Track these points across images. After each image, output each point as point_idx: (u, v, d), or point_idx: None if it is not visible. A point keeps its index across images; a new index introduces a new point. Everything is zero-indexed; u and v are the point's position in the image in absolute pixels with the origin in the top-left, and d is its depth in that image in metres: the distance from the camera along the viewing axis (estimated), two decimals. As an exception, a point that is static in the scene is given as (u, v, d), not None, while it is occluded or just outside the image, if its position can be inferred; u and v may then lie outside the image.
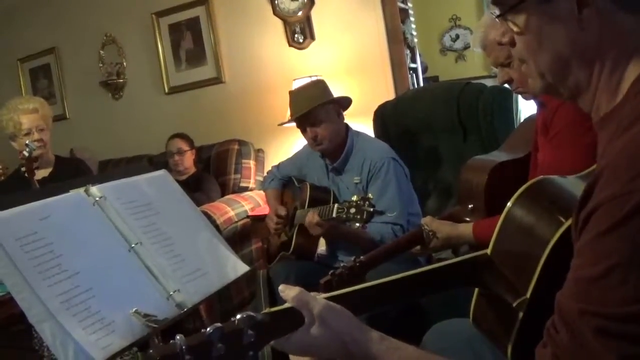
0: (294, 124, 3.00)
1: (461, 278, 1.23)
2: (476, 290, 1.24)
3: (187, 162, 4.41)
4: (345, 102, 2.98)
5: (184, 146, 4.42)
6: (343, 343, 1.03)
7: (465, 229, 2.04)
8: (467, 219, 2.09)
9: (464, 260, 1.23)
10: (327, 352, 1.05)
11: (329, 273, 2.03)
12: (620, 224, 0.77)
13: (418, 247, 2.23)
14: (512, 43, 1.03)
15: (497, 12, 1.01)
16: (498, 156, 2.20)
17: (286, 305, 1.06)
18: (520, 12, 0.97)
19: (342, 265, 2.06)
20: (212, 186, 4.37)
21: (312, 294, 1.12)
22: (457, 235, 2.07)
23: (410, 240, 2.24)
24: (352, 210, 2.32)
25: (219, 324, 0.94)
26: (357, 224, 2.36)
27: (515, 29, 1.00)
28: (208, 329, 0.93)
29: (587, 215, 0.83)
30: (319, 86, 2.96)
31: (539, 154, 1.92)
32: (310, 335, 1.03)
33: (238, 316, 0.97)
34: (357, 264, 2.06)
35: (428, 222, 2.15)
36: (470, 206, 2.10)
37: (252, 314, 0.98)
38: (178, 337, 0.91)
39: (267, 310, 1.03)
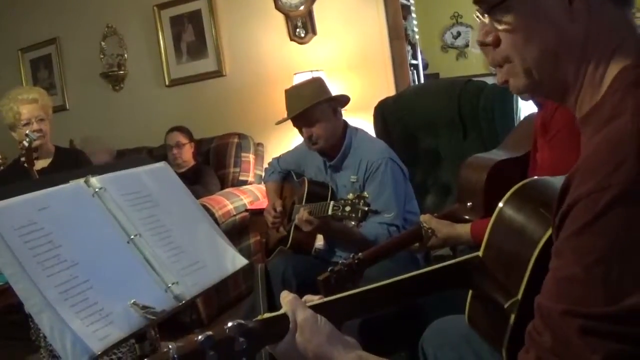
0: (292, 120, 2.99)
1: (454, 280, 1.23)
2: (470, 291, 1.24)
3: (186, 155, 4.42)
4: (342, 100, 2.95)
5: (183, 139, 4.42)
6: (315, 357, 1.04)
7: (464, 229, 2.04)
8: (466, 217, 2.09)
9: (457, 262, 1.22)
10: None
11: (328, 270, 2.03)
12: (596, 219, 0.77)
13: (416, 245, 2.23)
14: (497, 43, 1.03)
15: (482, 10, 1.02)
16: (497, 154, 2.20)
17: (280, 311, 1.08)
18: (507, 7, 0.97)
19: (340, 262, 2.06)
20: (211, 179, 4.38)
21: (306, 297, 1.13)
22: (455, 235, 2.06)
23: (409, 237, 2.24)
24: (348, 208, 2.32)
25: (209, 332, 0.95)
26: (352, 222, 2.36)
27: (501, 26, 0.99)
28: (199, 337, 0.94)
29: (564, 213, 0.83)
30: (314, 85, 2.93)
31: (538, 155, 1.92)
32: (291, 342, 1.05)
33: (229, 324, 0.98)
34: (356, 261, 2.06)
35: (427, 220, 2.14)
36: (469, 204, 2.09)
37: (242, 321, 1.00)
38: (170, 346, 0.92)
39: (258, 317, 1.05)
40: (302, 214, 2.62)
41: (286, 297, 1.09)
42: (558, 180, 1.15)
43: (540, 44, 0.97)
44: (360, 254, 2.09)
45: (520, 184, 1.16)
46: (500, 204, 1.16)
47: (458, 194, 2.24)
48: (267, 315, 1.07)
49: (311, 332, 1.05)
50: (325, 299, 1.13)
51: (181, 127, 4.51)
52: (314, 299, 1.13)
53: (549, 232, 1.00)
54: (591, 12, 0.92)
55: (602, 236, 0.77)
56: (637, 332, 0.75)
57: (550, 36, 0.95)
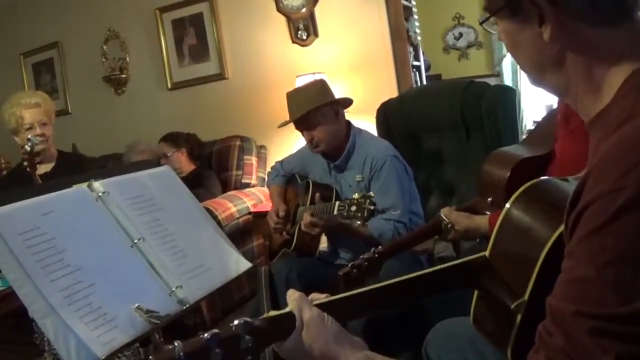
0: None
1: (460, 280, 1.23)
2: (476, 292, 1.24)
3: (177, 163, 4.33)
4: (343, 102, 2.94)
5: (168, 150, 4.36)
6: (322, 356, 1.04)
7: (483, 221, 2.04)
8: (486, 212, 2.09)
9: (463, 262, 1.22)
10: None
11: (349, 265, 2.04)
12: (610, 221, 0.77)
13: (436, 237, 2.24)
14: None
15: (480, 20, 1.08)
16: (522, 151, 2.18)
17: (285, 310, 1.07)
18: (498, 20, 1.03)
19: (360, 257, 2.07)
20: (213, 182, 4.36)
21: (312, 295, 1.13)
22: (475, 227, 2.07)
23: (428, 230, 2.25)
24: (353, 208, 2.33)
25: (216, 330, 0.95)
26: (358, 222, 2.36)
27: (498, 33, 1.06)
28: (205, 335, 0.94)
29: (577, 215, 0.83)
30: (316, 88, 2.91)
31: (558, 144, 1.91)
32: (297, 341, 1.04)
33: (235, 322, 0.98)
34: (376, 255, 2.07)
35: (446, 214, 2.15)
36: (490, 199, 2.09)
37: (249, 319, 0.99)
38: (176, 343, 0.91)
39: (265, 315, 1.04)
40: (305, 219, 2.63)
41: (292, 295, 1.09)
42: (565, 181, 1.15)
43: (524, 56, 1.02)
44: (380, 247, 2.10)
45: (528, 184, 1.16)
46: (508, 205, 1.16)
47: (479, 188, 2.22)
48: (273, 313, 1.07)
49: (317, 330, 1.04)
50: (332, 298, 1.13)
51: (167, 137, 4.46)
52: (321, 297, 1.13)
53: (557, 233, 1.00)
54: (565, 33, 0.93)
55: (615, 238, 0.77)
56: None
57: (531, 51, 1.00)
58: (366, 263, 2.05)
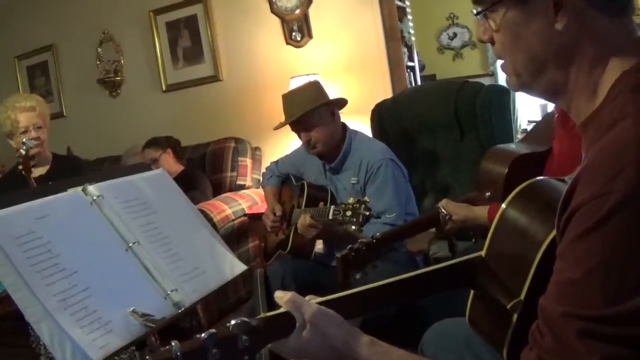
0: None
1: (456, 280, 1.23)
2: (472, 292, 1.24)
3: (167, 164, 4.27)
4: (339, 102, 2.95)
5: (155, 154, 4.33)
6: (333, 348, 1.04)
7: (481, 211, 2.05)
8: (483, 206, 2.10)
9: (459, 262, 1.22)
10: (319, 357, 1.05)
11: (347, 248, 2.04)
12: (598, 224, 0.78)
13: (433, 230, 2.24)
14: (492, 41, 1.06)
15: (478, 9, 1.04)
16: (520, 147, 2.20)
17: (281, 309, 1.06)
18: (499, 10, 1.00)
19: (359, 240, 2.07)
20: (206, 184, 4.35)
21: (309, 296, 1.13)
22: (473, 217, 2.07)
23: (426, 221, 2.25)
24: (348, 213, 2.33)
25: (213, 330, 0.95)
26: (353, 227, 2.36)
27: (494, 26, 1.02)
28: (202, 335, 0.93)
29: (568, 218, 0.84)
30: (312, 89, 2.91)
31: (555, 143, 1.92)
32: (302, 339, 1.03)
33: (232, 322, 0.97)
34: (374, 241, 2.07)
35: (444, 205, 2.15)
36: (487, 194, 2.09)
37: (246, 319, 0.99)
38: (173, 343, 0.91)
39: (262, 315, 1.03)
40: (304, 219, 2.62)
41: (284, 297, 1.07)
42: (561, 181, 1.15)
43: (526, 49, 1.00)
44: (378, 233, 2.10)
45: (524, 184, 1.16)
46: (504, 205, 1.16)
47: (477, 183, 2.23)
48: (269, 313, 1.06)
49: (326, 323, 1.04)
50: (326, 298, 1.12)
51: (148, 143, 4.43)
52: (316, 299, 1.13)
53: (553, 233, 1.00)
54: (578, 21, 0.93)
55: (602, 242, 0.78)
56: (635, 335, 0.76)
57: (536, 43, 0.98)
58: (364, 247, 2.05)
